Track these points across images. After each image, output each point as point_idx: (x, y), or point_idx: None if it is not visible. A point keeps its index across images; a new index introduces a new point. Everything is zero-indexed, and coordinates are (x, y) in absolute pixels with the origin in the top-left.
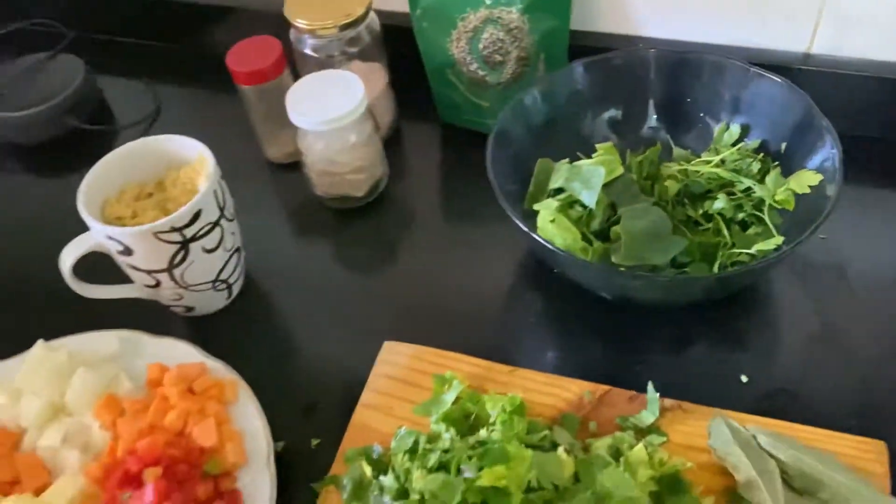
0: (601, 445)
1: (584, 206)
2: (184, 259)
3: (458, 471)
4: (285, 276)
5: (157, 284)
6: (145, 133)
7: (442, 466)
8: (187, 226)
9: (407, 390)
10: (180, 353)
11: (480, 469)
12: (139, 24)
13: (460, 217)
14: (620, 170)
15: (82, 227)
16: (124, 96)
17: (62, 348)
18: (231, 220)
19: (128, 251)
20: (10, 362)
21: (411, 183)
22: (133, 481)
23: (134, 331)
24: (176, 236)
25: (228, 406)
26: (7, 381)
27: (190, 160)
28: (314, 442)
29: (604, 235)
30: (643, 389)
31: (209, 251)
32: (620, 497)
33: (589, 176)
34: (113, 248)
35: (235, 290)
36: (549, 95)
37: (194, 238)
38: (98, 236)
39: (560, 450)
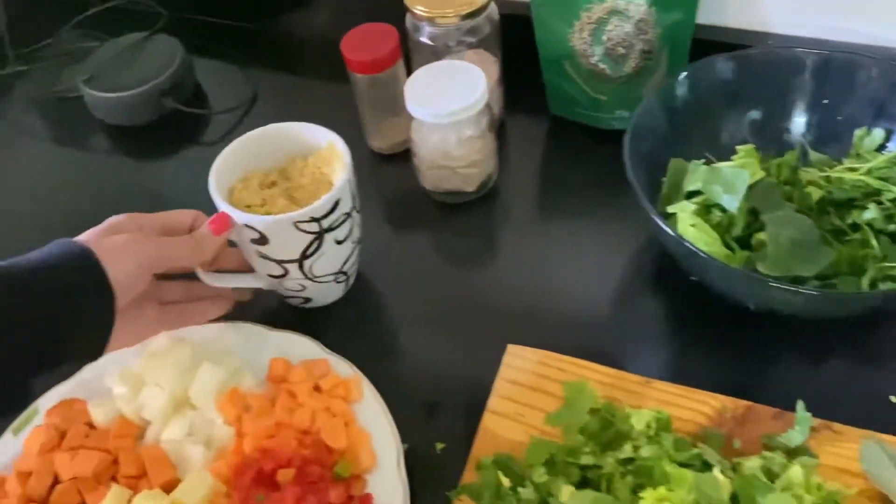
0: (752, 466)
1: (723, 211)
2: (317, 250)
3: (609, 489)
4: (391, 269)
5: (284, 274)
6: (241, 120)
7: (585, 481)
8: (325, 216)
9: (535, 397)
10: (301, 348)
11: (634, 489)
12: (235, 6)
13: (572, 214)
14: (761, 174)
15: None
16: (219, 80)
17: (186, 340)
18: (359, 212)
19: (263, 240)
20: (128, 351)
21: (520, 178)
22: (266, 481)
23: (254, 324)
24: (314, 226)
25: (353, 405)
26: (125, 370)
27: (317, 148)
28: (439, 446)
29: (743, 243)
30: (786, 406)
31: (339, 242)
32: None
33: (731, 179)
34: (247, 237)
35: (351, 282)
36: (692, 89)
37: (329, 229)
38: (239, 221)
39: (716, 470)
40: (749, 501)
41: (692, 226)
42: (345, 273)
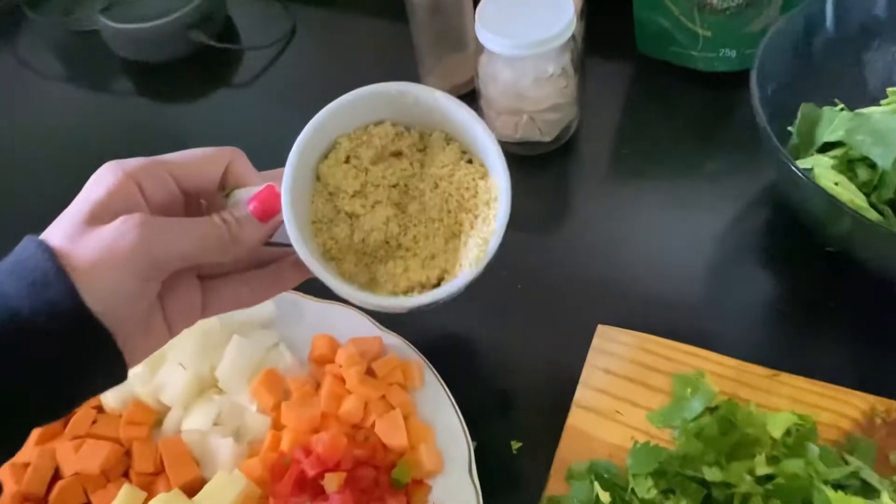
0: None
1: (872, 167)
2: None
3: None
4: None
5: None
6: (277, 57)
7: (709, 499)
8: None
9: (632, 390)
10: (349, 322)
11: None
12: None
13: (665, 171)
14: None
15: None
16: (253, 12)
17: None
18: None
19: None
20: None
21: (602, 128)
22: (309, 487)
23: (293, 291)
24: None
25: (414, 394)
26: None
27: (469, 141)
28: (515, 445)
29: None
30: None
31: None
32: None
33: (884, 128)
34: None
35: None
36: (834, 17)
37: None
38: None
39: (885, 497)
40: None
41: (835, 184)
42: None
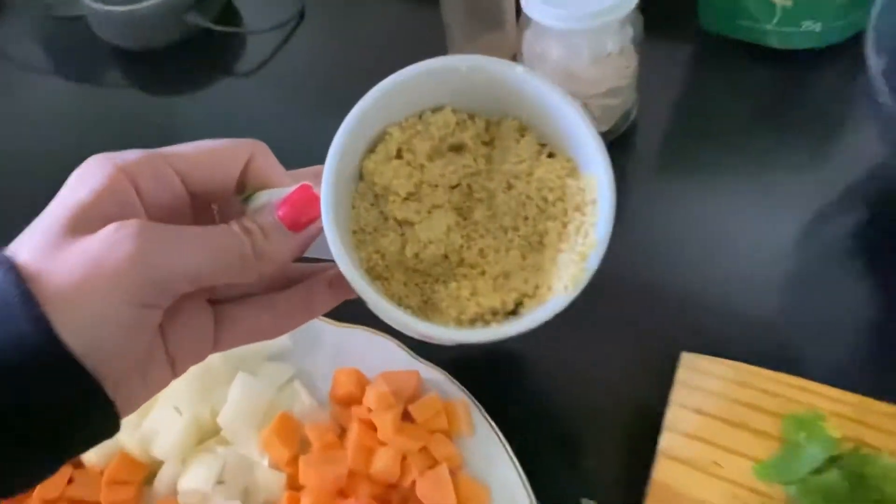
0: None
1: None
2: None
3: None
4: None
5: None
6: (285, 41)
7: None
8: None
9: (732, 435)
10: (378, 351)
11: None
12: None
13: (738, 163)
14: None
15: None
16: None
17: None
18: None
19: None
20: None
21: (663, 116)
22: None
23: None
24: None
25: (461, 442)
26: None
27: (562, 150)
28: None
29: None
30: None
31: None
32: None
33: None
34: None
35: None
36: None
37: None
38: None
39: None
40: None
41: None
42: None
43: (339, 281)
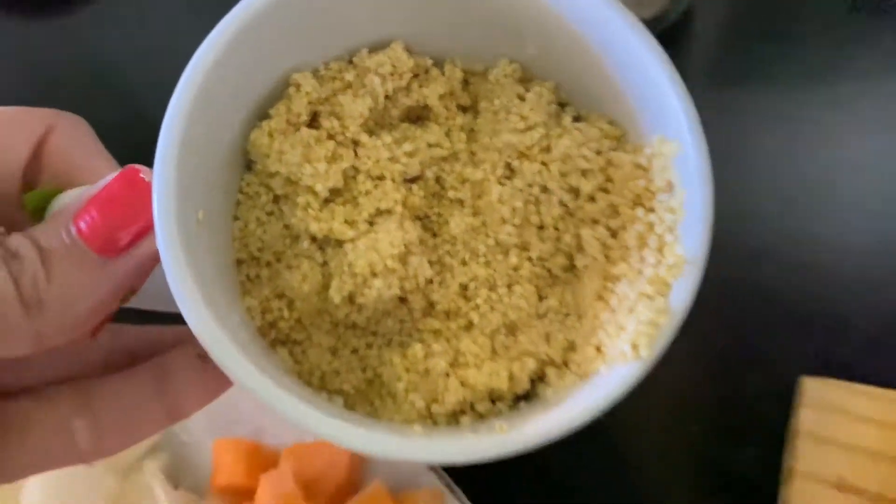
0: None
1: None
2: None
3: None
4: None
5: None
6: None
7: None
8: None
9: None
10: None
11: None
12: None
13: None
14: None
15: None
16: None
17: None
18: None
19: None
20: None
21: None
22: None
23: None
24: None
25: None
26: None
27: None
28: None
29: None
30: None
31: None
32: None
33: None
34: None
35: None
36: None
37: None
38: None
39: None
40: None
41: None
42: None
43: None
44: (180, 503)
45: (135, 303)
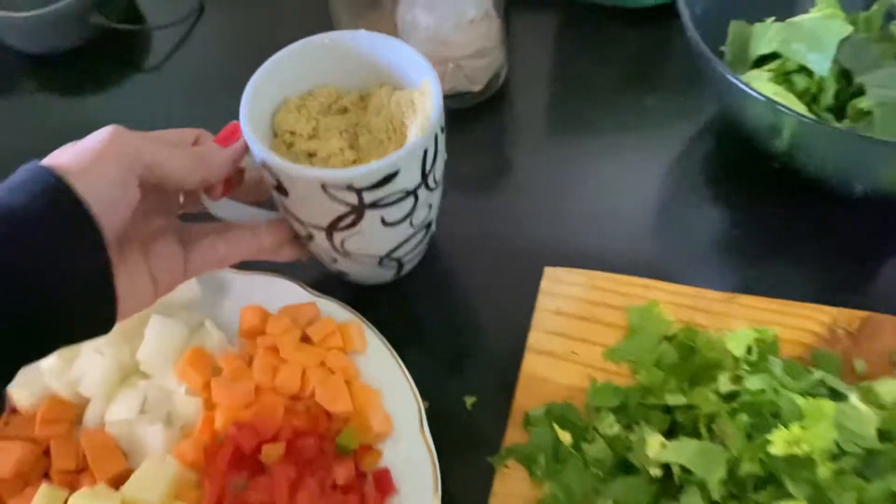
0: (889, 392)
1: (810, 77)
2: (353, 224)
3: (710, 432)
4: None
5: (310, 238)
6: (186, 36)
7: (676, 427)
8: (371, 188)
9: (588, 329)
10: (280, 290)
11: (748, 432)
12: None
13: (602, 113)
14: (849, 28)
15: None
16: None
17: None
18: (432, 190)
19: (281, 189)
20: None
21: (533, 76)
22: (247, 463)
23: None
24: (351, 197)
25: (355, 357)
26: None
27: (410, 85)
28: (469, 401)
29: (837, 113)
30: None
31: (389, 224)
32: None
33: (818, 33)
34: (266, 177)
35: (409, 267)
36: None
37: (375, 205)
38: (253, 154)
39: (853, 398)
40: None
41: (775, 94)
42: (395, 259)
43: (278, 222)
44: (225, 341)
45: (225, 216)
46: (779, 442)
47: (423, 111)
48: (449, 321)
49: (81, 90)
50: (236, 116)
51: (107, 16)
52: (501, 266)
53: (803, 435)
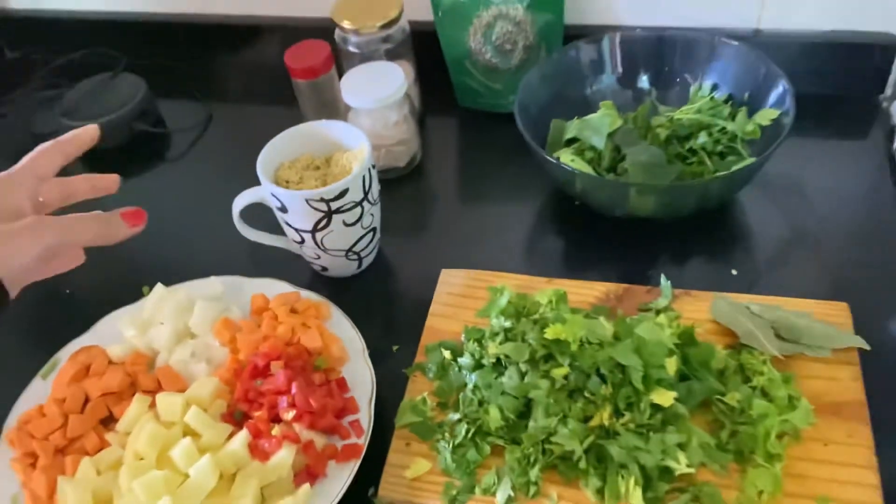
0: (632, 320)
1: (595, 151)
2: (326, 226)
3: (524, 340)
4: None
5: (302, 242)
6: (200, 137)
7: (507, 338)
8: (334, 199)
9: (466, 302)
10: (277, 288)
11: (542, 336)
12: (185, 46)
13: (487, 181)
14: (620, 121)
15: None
16: (178, 109)
17: (179, 289)
18: (373, 204)
19: (283, 209)
20: (131, 307)
21: (440, 159)
22: (261, 373)
23: (234, 276)
24: (323, 206)
25: (325, 322)
26: (133, 317)
27: (353, 147)
28: (394, 347)
29: (611, 171)
30: (656, 285)
31: (348, 225)
32: (653, 342)
33: (597, 125)
34: (273, 204)
35: (366, 262)
36: (559, 67)
37: (338, 211)
38: (264, 191)
39: (602, 319)
40: (627, 333)
41: (572, 161)
42: (356, 253)
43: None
44: (242, 315)
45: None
46: (551, 331)
47: (361, 158)
48: (387, 300)
49: (125, 176)
50: (236, 195)
51: (144, 122)
52: (419, 271)
53: (564, 329)
